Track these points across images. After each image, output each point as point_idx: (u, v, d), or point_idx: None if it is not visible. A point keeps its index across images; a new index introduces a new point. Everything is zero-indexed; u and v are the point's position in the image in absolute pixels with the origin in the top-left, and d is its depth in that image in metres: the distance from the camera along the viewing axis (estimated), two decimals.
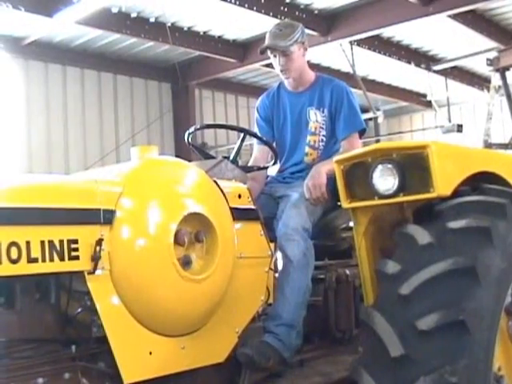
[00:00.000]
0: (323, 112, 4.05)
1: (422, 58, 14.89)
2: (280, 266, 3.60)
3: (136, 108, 14.92)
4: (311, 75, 4.17)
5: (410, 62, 14.62)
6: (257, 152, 4.26)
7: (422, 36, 13.62)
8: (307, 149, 4.08)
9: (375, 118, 15.36)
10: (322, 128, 4.05)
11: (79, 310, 2.78)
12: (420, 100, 18.08)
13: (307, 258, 3.52)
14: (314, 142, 4.07)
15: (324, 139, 4.06)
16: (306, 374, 3.48)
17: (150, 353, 2.81)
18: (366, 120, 16.59)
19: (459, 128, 14.28)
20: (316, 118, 4.06)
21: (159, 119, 15.22)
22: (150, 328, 2.83)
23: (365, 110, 14.51)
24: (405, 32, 13.26)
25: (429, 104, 16.59)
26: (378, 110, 15.27)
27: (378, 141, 15.81)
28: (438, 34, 13.26)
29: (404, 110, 19.57)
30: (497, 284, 2.74)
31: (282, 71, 4.05)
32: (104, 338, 2.68)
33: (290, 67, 4.01)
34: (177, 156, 9.41)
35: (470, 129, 15.76)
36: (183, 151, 12.47)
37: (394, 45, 14.07)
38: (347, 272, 3.92)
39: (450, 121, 15.59)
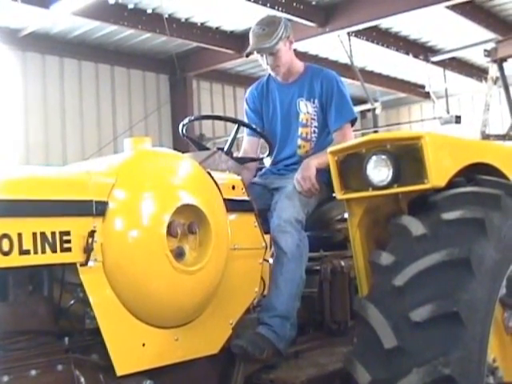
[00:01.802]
0: (314, 103, 4.01)
1: (420, 49, 14.85)
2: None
3: (134, 100, 14.88)
4: (300, 66, 4.13)
5: (408, 53, 14.57)
6: (246, 144, 4.23)
7: (420, 27, 13.57)
8: (300, 141, 4.03)
9: (373, 110, 15.37)
10: (314, 119, 4.01)
11: (72, 301, 2.78)
12: (418, 91, 18.04)
13: (301, 250, 3.51)
14: (307, 133, 4.02)
15: (316, 130, 4.01)
16: (301, 365, 3.47)
17: (143, 344, 2.81)
18: (365, 111, 16.64)
19: (457, 119, 14.25)
20: (307, 110, 4.01)
21: (157, 111, 15.17)
22: (143, 319, 2.82)
23: (363, 102, 14.51)
24: (403, 23, 13.21)
25: (427, 95, 16.56)
26: (376, 101, 15.26)
27: (376, 132, 15.80)
28: (437, 24, 13.22)
29: (402, 101, 19.54)
30: (491, 275, 2.74)
31: (271, 70, 4.04)
32: (97, 329, 2.68)
33: (278, 64, 3.99)
34: (174, 148, 9.38)
35: (469, 120, 15.72)
36: (181, 143, 12.42)
37: (392, 36, 14.02)
38: (342, 263, 3.90)
39: (448, 112, 15.57)
